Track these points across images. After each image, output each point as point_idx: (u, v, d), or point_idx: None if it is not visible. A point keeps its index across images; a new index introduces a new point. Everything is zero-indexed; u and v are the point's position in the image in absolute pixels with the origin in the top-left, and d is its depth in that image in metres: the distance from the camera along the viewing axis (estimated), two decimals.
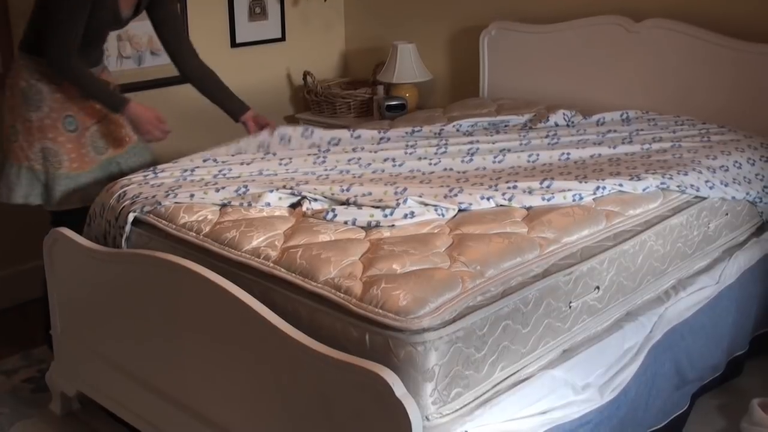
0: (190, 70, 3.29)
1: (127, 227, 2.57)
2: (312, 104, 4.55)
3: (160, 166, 2.89)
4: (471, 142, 3.16)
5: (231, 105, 3.34)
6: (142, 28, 3.91)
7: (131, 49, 3.91)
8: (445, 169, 2.92)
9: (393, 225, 2.39)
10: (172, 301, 2.33)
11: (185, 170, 2.80)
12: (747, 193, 2.97)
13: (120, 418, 2.70)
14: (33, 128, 2.96)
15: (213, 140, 4.27)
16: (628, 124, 3.44)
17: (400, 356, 1.89)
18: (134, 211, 2.57)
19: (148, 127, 3.04)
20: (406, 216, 2.42)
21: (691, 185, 2.78)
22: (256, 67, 4.48)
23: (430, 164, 2.94)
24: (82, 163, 3.04)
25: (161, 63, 4.02)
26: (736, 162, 3.02)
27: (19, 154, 2.97)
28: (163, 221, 2.52)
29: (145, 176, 2.78)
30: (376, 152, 3.02)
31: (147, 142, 3.16)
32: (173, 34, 3.25)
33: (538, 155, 3.01)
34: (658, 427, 2.64)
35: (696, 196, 2.80)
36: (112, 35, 3.80)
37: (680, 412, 2.74)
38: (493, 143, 3.12)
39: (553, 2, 4.06)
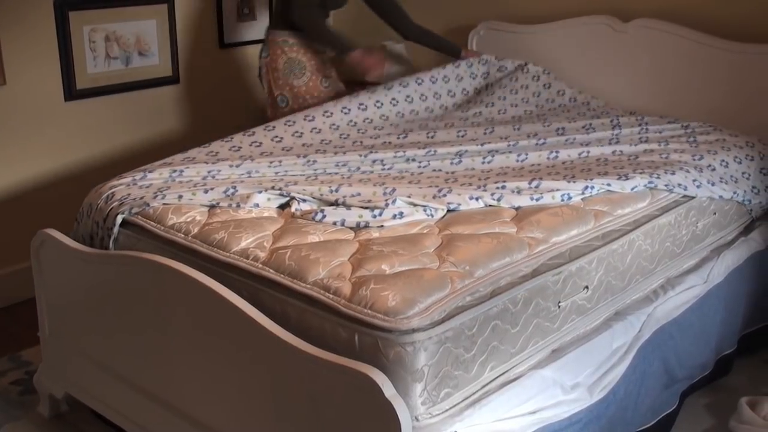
0: (413, 34, 3.84)
1: (115, 229, 2.56)
2: None
3: (149, 166, 2.87)
4: (461, 144, 3.16)
5: (450, 50, 3.96)
6: (129, 28, 3.91)
7: (119, 49, 3.90)
8: (434, 170, 2.92)
9: (382, 225, 2.39)
10: (160, 303, 2.32)
11: (174, 170, 2.79)
12: (734, 193, 2.98)
13: (108, 420, 2.69)
14: (301, 92, 3.63)
15: (202, 139, 4.28)
16: (613, 124, 3.44)
17: (389, 357, 1.89)
18: (122, 213, 2.56)
19: (366, 69, 3.78)
20: (395, 216, 2.42)
21: (679, 184, 2.78)
22: (245, 68, 4.48)
23: (419, 166, 2.93)
24: None
25: (149, 64, 4.02)
26: (723, 161, 3.04)
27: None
28: (152, 222, 2.51)
29: (134, 177, 2.77)
30: (365, 156, 3.01)
31: (369, 80, 3.83)
32: (390, 5, 3.77)
33: (526, 155, 3.01)
34: (648, 426, 2.64)
35: (684, 196, 2.81)
36: (101, 35, 3.80)
37: (669, 411, 2.75)
38: (482, 145, 3.12)
39: (542, 2, 4.07)
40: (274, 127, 3.27)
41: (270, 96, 3.73)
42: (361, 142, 3.22)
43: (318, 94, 3.67)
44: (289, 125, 3.28)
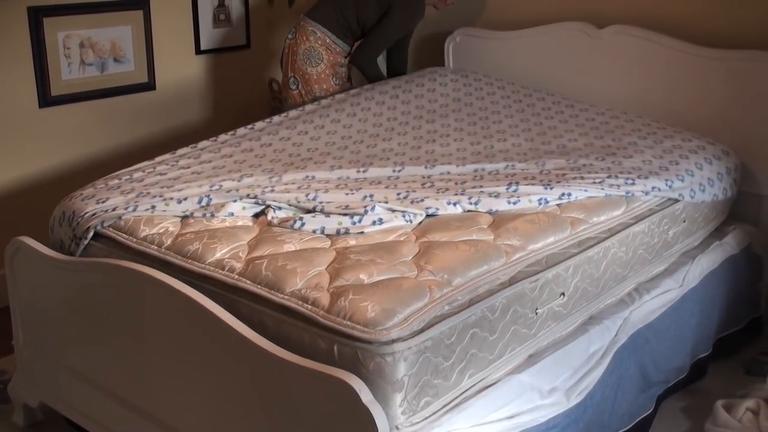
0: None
1: (84, 241, 2.52)
2: (277, 111, 4.53)
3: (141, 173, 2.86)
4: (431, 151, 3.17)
5: None
6: (104, 34, 3.88)
7: (94, 56, 3.87)
8: (410, 175, 2.91)
9: (362, 232, 2.39)
10: (136, 310, 2.31)
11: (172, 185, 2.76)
12: (709, 186, 3.02)
13: (84, 429, 2.66)
14: (312, 80, 3.84)
15: (177, 146, 4.26)
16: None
17: (369, 367, 1.88)
18: (93, 227, 2.51)
19: None
20: (374, 222, 2.42)
21: (653, 187, 2.81)
22: (221, 74, 4.46)
23: (394, 171, 2.92)
24: None
25: (124, 70, 3.99)
26: (698, 163, 3.07)
27: (297, 100, 3.89)
28: (123, 235, 2.47)
29: (120, 180, 2.76)
30: (339, 159, 3.01)
31: None
32: (405, 49, 4.19)
33: (502, 160, 3.02)
34: (624, 429, 2.65)
35: (659, 204, 2.83)
36: (76, 41, 3.77)
37: (646, 414, 2.76)
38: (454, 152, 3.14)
39: (518, 9, 4.08)
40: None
41: (284, 77, 3.96)
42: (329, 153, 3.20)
43: (327, 87, 3.88)
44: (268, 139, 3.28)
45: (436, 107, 3.67)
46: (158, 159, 3.00)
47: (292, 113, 3.57)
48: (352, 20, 3.89)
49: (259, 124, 3.42)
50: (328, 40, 3.87)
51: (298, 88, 3.90)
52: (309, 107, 3.65)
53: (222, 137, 3.24)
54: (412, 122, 3.48)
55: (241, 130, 3.34)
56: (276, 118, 3.50)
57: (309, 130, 3.34)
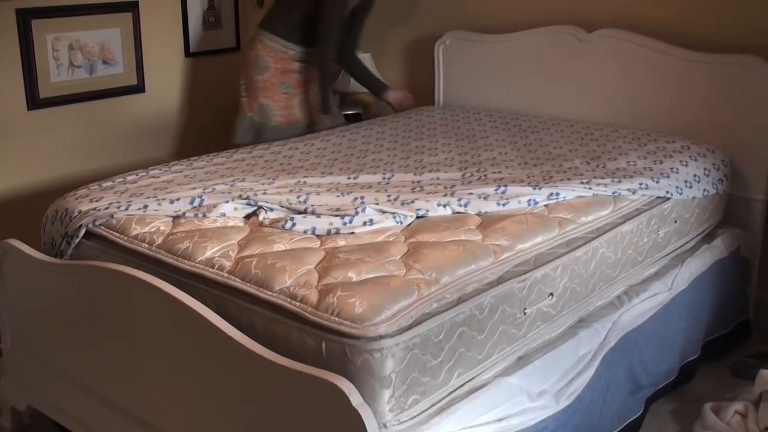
0: (350, 61, 4.07)
1: (76, 240, 2.53)
2: None
3: (135, 177, 2.87)
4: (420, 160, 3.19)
5: (376, 88, 4.09)
6: (93, 36, 3.88)
7: (83, 58, 3.87)
8: (401, 180, 2.92)
9: (353, 232, 2.39)
10: (125, 313, 2.30)
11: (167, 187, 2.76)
12: (696, 183, 3.03)
13: None
14: (257, 87, 3.83)
15: (166, 149, 4.26)
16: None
17: (357, 363, 1.89)
18: (85, 225, 2.52)
19: (405, 105, 4.10)
20: (365, 223, 2.43)
21: (641, 184, 2.82)
22: (211, 77, 4.46)
23: (384, 178, 2.93)
24: (289, 120, 3.89)
25: (113, 72, 3.99)
26: (682, 161, 3.09)
27: (245, 107, 3.89)
28: (115, 233, 2.48)
29: (113, 182, 2.76)
30: (329, 167, 3.01)
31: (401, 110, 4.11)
32: (359, 26, 4.01)
33: (490, 166, 3.03)
34: None
35: (646, 204, 2.84)
36: (65, 44, 3.77)
37: (635, 417, 2.76)
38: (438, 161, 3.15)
39: (507, 12, 4.10)
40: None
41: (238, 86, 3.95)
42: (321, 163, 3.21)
43: (271, 95, 3.86)
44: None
45: (424, 129, 3.72)
46: (151, 167, 3.01)
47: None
48: (296, 14, 3.82)
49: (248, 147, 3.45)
50: (276, 46, 3.84)
51: (246, 95, 3.89)
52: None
53: (213, 155, 3.25)
54: (400, 140, 3.52)
55: (232, 150, 3.35)
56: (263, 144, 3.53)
57: (299, 146, 3.37)
